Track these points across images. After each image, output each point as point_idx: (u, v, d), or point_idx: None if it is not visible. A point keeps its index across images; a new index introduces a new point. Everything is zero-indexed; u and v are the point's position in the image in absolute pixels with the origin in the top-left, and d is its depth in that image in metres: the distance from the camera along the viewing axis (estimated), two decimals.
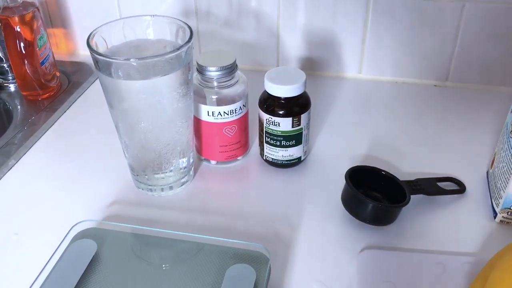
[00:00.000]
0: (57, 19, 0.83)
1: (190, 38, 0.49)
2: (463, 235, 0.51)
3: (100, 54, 0.47)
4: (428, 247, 0.50)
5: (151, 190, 0.56)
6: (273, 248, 0.49)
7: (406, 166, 0.60)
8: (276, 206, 0.55)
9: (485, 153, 0.61)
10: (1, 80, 0.76)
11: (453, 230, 0.52)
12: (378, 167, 0.55)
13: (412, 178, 0.55)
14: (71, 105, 0.73)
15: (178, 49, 0.48)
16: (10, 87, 0.76)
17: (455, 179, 0.57)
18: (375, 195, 0.54)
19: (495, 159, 0.54)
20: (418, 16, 0.71)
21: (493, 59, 0.72)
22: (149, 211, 0.54)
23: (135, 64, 0.47)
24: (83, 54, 0.85)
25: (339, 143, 0.64)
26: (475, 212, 0.54)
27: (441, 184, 0.56)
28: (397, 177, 0.54)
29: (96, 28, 0.50)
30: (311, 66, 0.78)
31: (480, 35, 0.70)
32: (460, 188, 0.56)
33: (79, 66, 0.80)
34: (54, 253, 0.46)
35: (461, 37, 0.71)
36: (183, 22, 0.51)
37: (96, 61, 0.48)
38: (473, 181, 0.57)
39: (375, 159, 0.61)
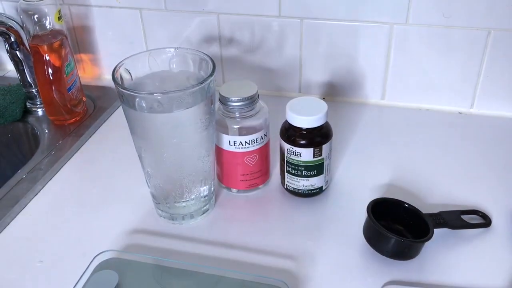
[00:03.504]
0: (84, 44, 0.85)
1: (213, 71, 0.50)
2: (488, 271, 0.50)
3: (125, 89, 0.48)
4: (451, 283, 0.49)
5: (172, 218, 0.56)
6: (293, 282, 0.49)
7: (430, 197, 0.59)
8: (296, 237, 0.54)
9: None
10: (30, 104, 0.78)
11: (478, 265, 0.51)
12: (401, 198, 0.54)
13: (436, 210, 0.55)
14: (96, 130, 0.74)
15: (201, 82, 0.48)
16: (38, 111, 0.78)
17: (480, 211, 0.56)
18: (397, 227, 0.53)
19: None
20: (443, 43, 0.70)
21: None
22: (170, 240, 0.55)
23: (159, 98, 0.47)
24: (109, 79, 0.86)
25: (361, 172, 0.64)
26: (501, 247, 0.52)
27: (465, 217, 0.55)
28: (420, 210, 0.53)
29: (122, 61, 0.51)
30: (333, 91, 0.78)
31: (506, 62, 0.69)
32: (485, 221, 0.55)
33: (105, 91, 0.82)
34: (76, 284, 0.47)
35: (486, 64, 0.70)
36: (206, 54, 0.52)
37: (121, 95, 0.49)
38: (499, 214, 0.56)
39: (398, 188, 0.60)
